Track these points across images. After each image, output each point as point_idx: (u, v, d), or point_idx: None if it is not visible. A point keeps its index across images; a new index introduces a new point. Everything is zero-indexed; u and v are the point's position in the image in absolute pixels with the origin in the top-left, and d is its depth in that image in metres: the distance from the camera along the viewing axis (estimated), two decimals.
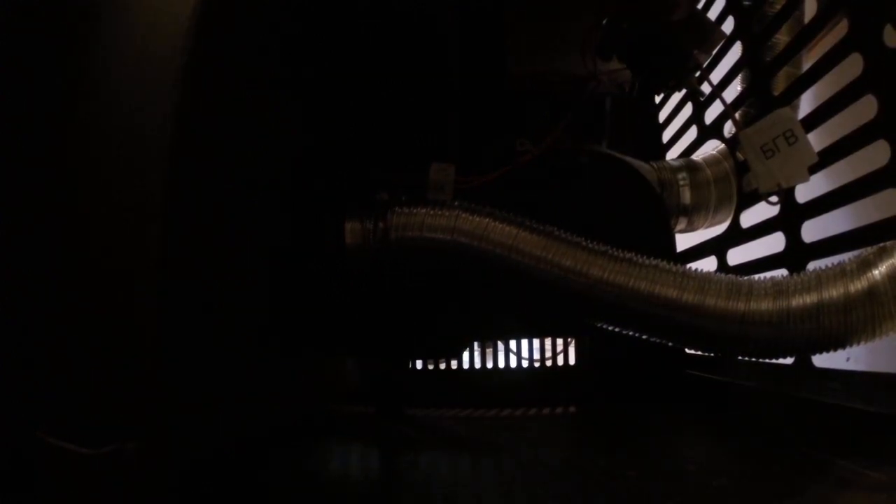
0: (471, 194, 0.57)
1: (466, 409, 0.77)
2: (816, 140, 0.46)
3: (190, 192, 0.31)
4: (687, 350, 0.70)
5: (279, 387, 0.44)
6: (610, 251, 0.51)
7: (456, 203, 0.56)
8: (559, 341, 0.83)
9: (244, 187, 0.38)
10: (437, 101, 0.70)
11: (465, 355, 0.83)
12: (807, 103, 0.50)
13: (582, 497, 0.40)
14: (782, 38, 0.53)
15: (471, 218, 0.54)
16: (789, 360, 0.49)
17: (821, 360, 0.45)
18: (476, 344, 0.83)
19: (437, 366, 0.83)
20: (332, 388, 0.57)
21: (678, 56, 0.54)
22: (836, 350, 0.43)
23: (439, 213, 0.55)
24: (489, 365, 0.83)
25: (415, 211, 0.56)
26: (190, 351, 0.31)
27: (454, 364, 0.83)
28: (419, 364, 0.82)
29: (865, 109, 0.40)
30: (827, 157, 0.45)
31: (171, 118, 0.29)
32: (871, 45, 0.39)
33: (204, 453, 0.32)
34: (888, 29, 0.37)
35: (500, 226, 0.53)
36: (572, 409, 0.77)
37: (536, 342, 0.84)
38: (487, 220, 0.54)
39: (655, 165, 0.71)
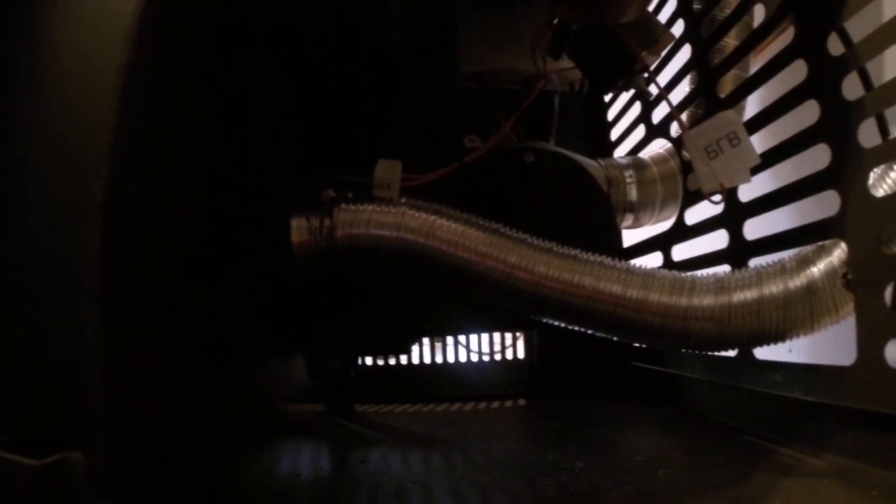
0: (419, 192, 0.56)
1: (417, 405, 0.77)
2: (762, 141, 0.48)
3: (132, 195, 0.29)
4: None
5: (227, 388, 0.43)
6: (555, 248, 0.52)
7: (403, 200, 0.55)
8: (508, 335, 0.84)
9: (188, 189, 0.37)
10: (385, 98, 0.70)
11: (415, 351, 0.83)
12: (754, 106, 0.52)
13: (531, 490, 0.40)
14: (731, 41, 0.55)
15: (417, 215, 0.54)
16: (733, 353, 0.51)
17: (764, 352, 0.47)
18: (426, 339, 0.83)
19: (386, 362, 0.82)
20: (280, 387, 0.56)
21: (627, 57, 0.55)
22: (776, 343, 0.45)
23: (386, 210, 0.55)
24: (439, 360, 0.84)
25: (361, 208, 0.55)
26: (136, 358, 0.30)
27: (404, 360, 0.83)
28: (369, 361, 0.82)
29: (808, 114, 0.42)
30: (770, 159, 0.47)
31: (112, 120, 0.27)
32: (814, 52, 0.40)
33: (152, 459, 0.31)
34: (833, 37, 0.39)
35: (447, 223, 0.53)
36: (522, 402, 0.78)
37: (486, 336, 0.84)
38: (434, 217, 0.54)
39: (603, 163, 0.72)
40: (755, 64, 0.55)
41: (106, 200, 0.27)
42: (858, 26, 0.37)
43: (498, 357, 0.84)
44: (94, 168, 0.27)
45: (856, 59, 0.37)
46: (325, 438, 0.61)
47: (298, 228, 0.56)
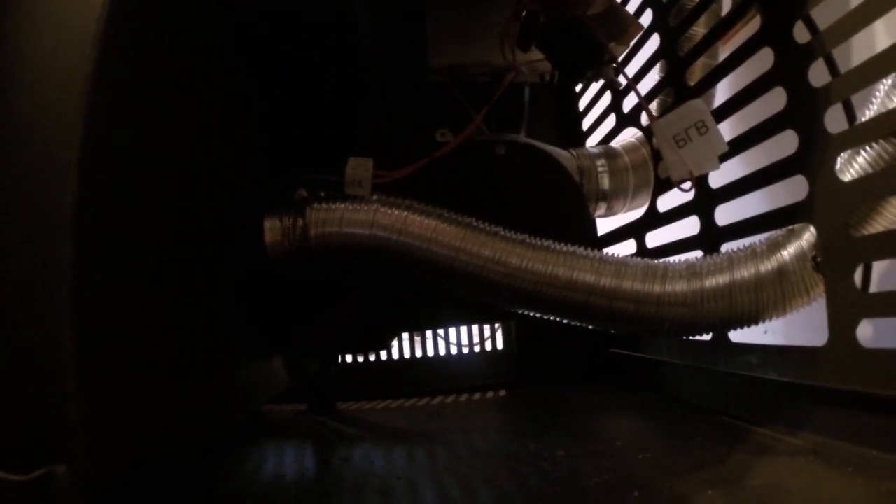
0: (391, 188, 0.56)
1: (398, 400, 0.77)
2: (731, 128, 0.49)
3: (104, 204, 0.29)
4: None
5: (208, 392, 0.42)
6: (528, 239, 0.52)
7: (374, 197, 0.55)
8: (486, 327, 0.85)
9: (160, 194, 0.36)
10: (354, 94, 0.69)
11: (395, 346, 0.82)
12: (722, 93, 0.52)
13: (513, 480, 0.40)
14: (699, 30, 0.56)
15: (389, 212, 0.54)
16: (708, 337, 0.52)
17: (739, 335, 0.48)
18: (405, 334, 0.83)
19: (366, 359, 0.82)
20: (261, 388, 0.55)
21: (595, 48, 0.55)
22: (749, 326, 0.46)
23: (358, 208, 0.55)
24: (418, 354, 0.84)
25: (333, 207, 0.55)
26: (114, 366, 0.29)
27: (384, 356, 0.82)
28: (349, 358, 0.81)
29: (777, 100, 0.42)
30: (739, 146, 0.48)
31: (80, 130, 0.27)
32: (781, 40, 0.41)
33: (135, 467, 0.30)
34: (799, 25, 0.40)
35: (419, 219, 0.53)
36: (502, 393, 0.78)
37: (464, 328, 0.84)
38: (406, 213, 0.54)
39: (575, 153, 0.73)
40: (723, 52, 0.55)
41: (77, 211, 0.26)
42: (824, 14, 0.38)
43: (477, 349, 0.84)
44: (64, 179, 0.26)
45: (822, 46, 0.38)
46: (308, 438, 0.60)
47: (271, 229, 0.56)
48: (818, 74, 0.39)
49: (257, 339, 0.56)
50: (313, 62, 0.62)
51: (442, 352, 0.84)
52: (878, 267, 0.39)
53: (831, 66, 0.38)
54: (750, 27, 0.45)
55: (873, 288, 0.38)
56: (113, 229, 0.30)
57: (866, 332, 0.36)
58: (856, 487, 0.31)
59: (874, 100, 0.36)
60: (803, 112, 0.40)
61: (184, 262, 0.39)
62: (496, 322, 0.83)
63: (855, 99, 0.37)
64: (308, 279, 0.62)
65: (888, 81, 0.35)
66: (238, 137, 0.55)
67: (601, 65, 0.58)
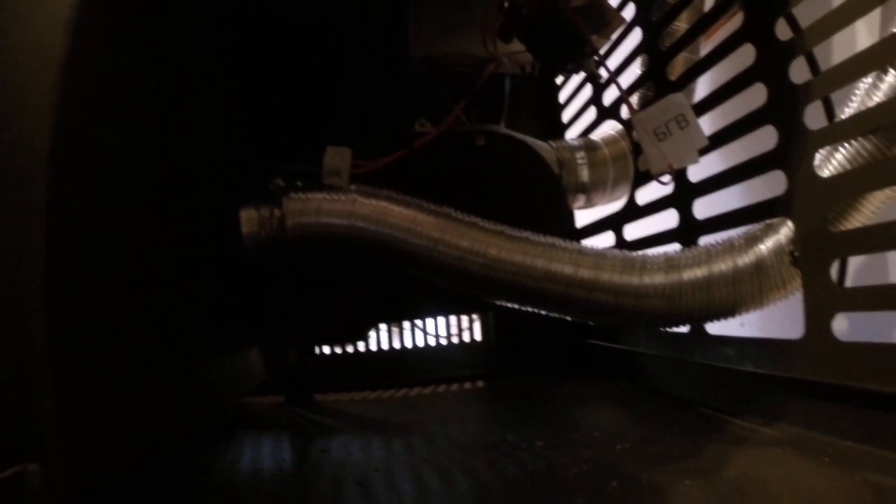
0: (369, 178, 0.56)
1: (376, 392, 0.77)
2: (711, 123, 0.49)
3: (76, 197, 0.28)
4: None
5: (184, 386, 0.41)
6: (507, 231, 0.52)
7: (353, 187, 0.55)
8: (465, 318, 0.85)
9: (133, 185, 0.35)
10: (334, 84, 0.68)
11: (373, 337, 0.82)
12: (703, 88, 0.53)
13: (492, 471, 0.40)
14: (681, 25, 0.56)
15: (367, 202, 0.53)
16: (685, 329, 0.53)
17: (716, 327, 0.49)
18: (383, 325, 0.82)
19: (344, 350, 0.82)
20: (238, 381, 0.54)
21: (577, 41, 0.55)
22: (726, 318, 0.46)
23: (335, 198, 0.54)
24: (397, 346, 0.83)
25: (310, 197, 0.55)
26: (87, 362, 0.28)
27: (362, 347, 0.82)
28: (326, 349, 0.81)
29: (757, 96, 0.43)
30: (718, 140, 0.49)
31: (51, 120, 0.26)
32: (763, 36, 0.42)
33: (111, 465, 0.30)
34: (781, 22, 0.40)
35: (398, 209, 0.53)
36: (480, 384, 0.78)
37: (442, 319, 0.84)
38: (385, 203, 0.53)
39: (554, 145, 0.73)
40: (705, 47, 0.56)
41: (49, 202, 0.25)
42: (807, 12, 0.38)
43: (455, 340, 0.85)
44: (36, 170, 0.25)
45: (803, 43, 0.38)
46: (286, 430, 0.60)
47: (248, 220, 0.55)
48: (799, 71, 0.39)
49: (234, 330, 0.55)
50: (293, 50, 0.61)
51: (420, 343, 0.84)
52: (854, 262, 0.40)
53: (812, 63, 0.39)
54: (732, 23, 0.45)
55: (849, 282, 0.39)
56: (86, 220, 0.29)
57: (842, 325, 0.36)
58: (832, 478, 0.32)
59: (854, 97, 0.37)
60: (783, 108, 0.40)
61: (159, 253, 0.38)
62: (475, 313, 0.83)
63: (835, 96, 0.38)
64: (285, 270, 0.61)
65: (868, 80, 0.36)
66: (215, 127, 0.53)
67: (583, 57, 0.58)
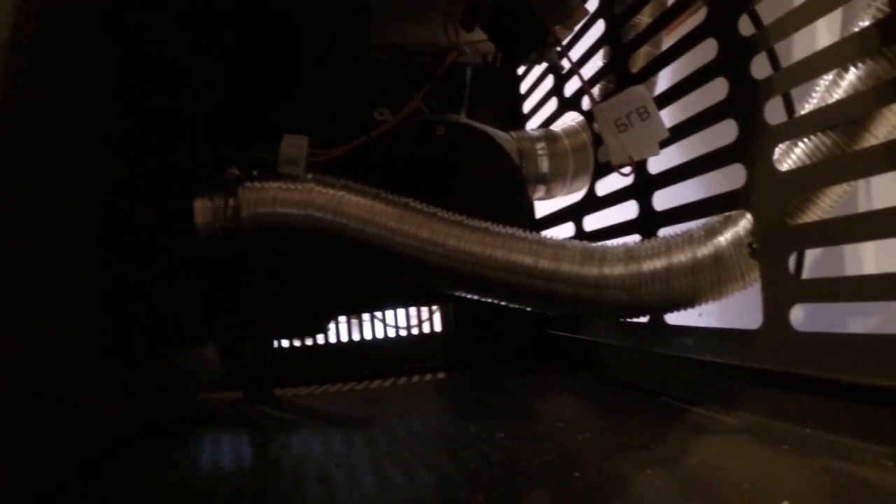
0: (327, 167, 0.55)
1: (336, 385, 0.76)
2: (672, 116, 0.50)
3: (21, 186, 0.26)
4: None
5: (136, 385, 0.40)
6: (466, 221, 0.52)
7: (309, 176, 0.53)
8: (424, 309, 0.84)
9: (82, 174, 0.33)
10: (291, 70, 0.66)
11: (332, 329, 0.81)
12: (664, 82, 0.53)
13: (453, 463, 0.40)
14: (644, 19, 0.56)
15: (324, 191, 0.52)
16: (645, 319, 0.53)
17: (675, 317, 0.50)
18: (342, 317, 0.81)
19: (303, 343, 0.80)
20: (193, 377, 0.52)
21: (539, 31, 0.55)
22: (686, 309, 0.47)
23: (292, 187, 0.53)
24: (356, 338, 0.82)
25: (266, 186, 0.53)
26: (34, 365, 0.27)
27: (321, 339, 0.81)
28: (284, 343, 0.79)
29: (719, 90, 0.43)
30: (679, 133, 0.49)
31: None
32: (726, 31, 0.42)
33: (63, 471, 0.28)
34: (744, 18, 0.40)
35: (355, 199, 0.52)
36: (441, 375, 0.78)
37: (402, 311, 0.84)
38: (341, 193, 0.52)
39: (515, 135, 0.73)
40: (667, 41, 0.56)
41: None
42: (769, 9, 0.39)
43: (415, 331, 0.84)
44: None
45: (765, 40, 0.39)
46: (245, 427, 0.58)
47: (202, 210, 0.53)
48: (760, 67, 0.40)
49: (188, 325, 0.53)
50: (250, 35, 0.59)
51: (380, 335, 0.83)
52: (810, 255, 0.41)
53: (773, 59, 0.39)
54: (693, 20, 0.45)
55: (806, 275, 0.40)
56: (27, 208, 0.27)
57: (798, 316, 0.37)
58: (791, 464, 0.33)
59: (814, 94, 0.38)
60: (744, 103, 0.41)
61: (107, 244, 0.36)
62: (434, 304, 0.82)
63: (795, 93, 0.39)
64: (241, 261, 0.60)
65: (829, 77, 0.36)
66: (169, 113, 0.51)
67: (545, 48, 0.58)
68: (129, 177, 0.40)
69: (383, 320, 0.83)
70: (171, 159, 0.51)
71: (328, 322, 0.74)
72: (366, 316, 0.82)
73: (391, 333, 0.83)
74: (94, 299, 0.34)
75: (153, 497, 0.39)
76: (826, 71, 0.35)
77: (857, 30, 0.33)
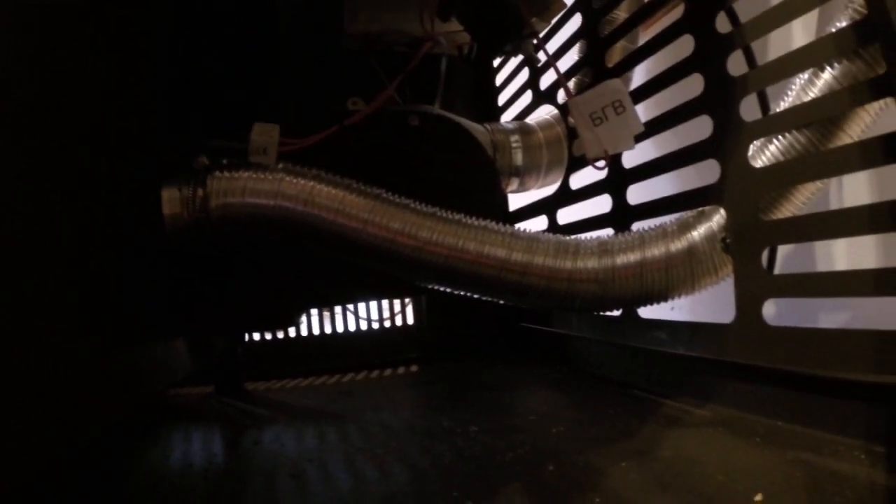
0: (298, 157, 0.54)
1: (309, 378, 0.75)
2: (647, 111, 0.50)
3: None
4: None
5: (105, 381, 0.38)
6: (439, 213, 0.52)
7: (280, 166, 0.52)
8: (397, 302, 0.84)
9: (48, 164, 0.32)
10: (263, 57, 0.65)
11: (304, 322, 0.80)
12: (641, 77, 0.54)
13: (427, 457, 0.40)
14: (621, 14, 0.56)
15: (295, 181, 0.51)
16: (618, 312, 0.54)
17: (647, 311, 0.50)
18: (313, 309, 0.80)
19: (274, 336, 0.79)
20: (163, 372, 0.51)
21: (516, 22, 0.55)
22: (659, 303, 0.48)
23: (262, 177, 0.52)
24: (328, 331, 0.81)
25: (236, 175, 0.52)
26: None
27: (292, 332, 0.80)
28: (256, 336, 0.78)
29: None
30: (654, 128, 0.49)
31: None
32: (703, 28, 0.42)
33: (31, 468, 0.27)
34: (721, 16, 0.41)
35: (326, 189, 0.51)
36: (414, 368, 0.78)
37: (374, 303, 0.83)
38: (313, 183, 0.51)
39: (489, 127, 0.72)
40: (644, 37, 0.57)
41: None
42: (746, 8, 0.39)
43: (388, 324, 0.83)
44: None
45: (742, 37, 0.39)
46: (217, 422, 0.57)
47: (170, 200, 0.52)
48: (736, 64, 0.40)
49: (156, 318, 0.52)
50: (221, 20, 0.57)
51: (352, 328, 0.82)
52: (782, 251, 0.42)
53: (749, 57, 0.40)
54: (669, 17, 0.46)
55: (778, 270, 0.41)
56: None
57: (770, 310, 0.38)
58: (763, 456, 0.33)
59: (790, 92, 0.38)
60: (719, 99, 0.41)
61: (72, 235, 0.35)
62: (407, 297, 0.82)
63: (770, 91, 0.39)
64: (210, 253, 0.58)
65: (804, 76, 0.37)
66: (137, 98, 0.49)
67: (521, 39, 0.58)
68: (96, 166, 0.39)
69: (356, 313, 0.82)
70: (139, 148, 0.50)
71: (300, 315, 0.73)
72: (338, 308, 0.82)
73: (364, 326, 0.82)
74: (58, 291, 0.32)
75: (122, 496, 0.38)
76: (802, 69, 0.36)
77: (834, 30, 0.34)
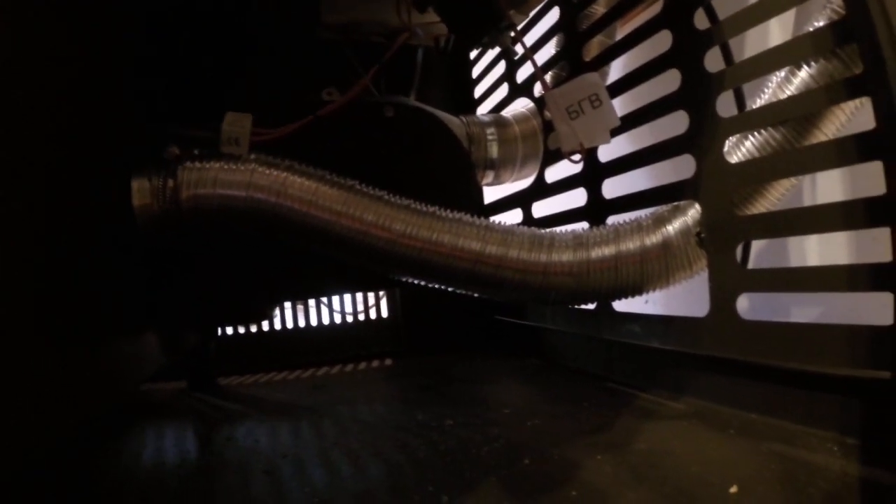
0: (271, 147, 0.53)
1: (282, 373, 0.74)
2: (624, 105, 0.50)
3: None
4: None
5: (73, 377, 0.37)
6: (413, 205, 0.51)
7: (252, 157, 0.51)
8: (371, 295, 0.83)
9: (14, 157, 0.30)
10: (236, 45, 0.63)
11: (277, 316, 0.79)
12: (618, 72, 0.54)
13: (402, 452, 0.40)
14: (599, 8, 0.56)
15: (267, 172, 0.50)
16: (593, 306, 0.54)
17: (621, 304, 0.51)
18: (287, 303, 0.79)
19: (247, 330, 0.78)
20: (133, 367, 0.50)
21: (493, 14, 0.55)
22: (634, 296, 0.48)
23: (234, 167, 0.51)
24: (301, 324, 0.81)
25: (207, 166, 0.51)
26: None
27: (265, 326, 0.79)
28: (229, 331, 0.77)
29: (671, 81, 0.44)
30: (631, 122, 0.50)
31: None
32: (681, 24, 0.43)
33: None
34: (699, 13, 0.41)
35: (299, 180, 0.50)
36: (388, 362, 0.78)
37: (348, 296, 0.82)
38: (285, 174, 0.51)
39: (465, 120, 0.72)
40: (621, 32, 0.57)
41: None
42: (725, 5, 0.40)
43: (362, 317, 0.83)
44: None
45: (720, 34, 0.39)
46: (189, 418, 0.57)
47: (140, 191, 0.50)
48: (713, 61, 0.40)
49: (126, 313, 0.50)
50: (193, 6, 0.56)
51: (326, 321, 0.82)
52: (756, 246, 0.42)
53: (727, 54, 0.40)
54: (650, 10, 0.46)
55: (751, 265, 0.41)
56: None
57: (744, 304, 0.39)
58: (738, 448, 0.34)
59: (766, 90, 0.39)
60: (696, 95, 0.42)
61: (39, 227, 0.34)
62: (381, 290, 0.81)
63: (747, 87, 0.40)
64: (181, 245, 0.57)
65: (781, 74, 0.37)
66: (107, 85, 0.48)
67: (499, 32, 0.57)
68: (63, 155, 0.37)
69: (329, 306, 0.81)
70: (108, 137, 0.48)
71: (273, 308, 0.72)
72: (311, 302, 0.81)
73: (337, 319, 0.82)
74: (24, 285, 0.31)
75: (94, 493, 0.37)
76: (779, 67, 0.36)
77: (812, 29, 0.34)
